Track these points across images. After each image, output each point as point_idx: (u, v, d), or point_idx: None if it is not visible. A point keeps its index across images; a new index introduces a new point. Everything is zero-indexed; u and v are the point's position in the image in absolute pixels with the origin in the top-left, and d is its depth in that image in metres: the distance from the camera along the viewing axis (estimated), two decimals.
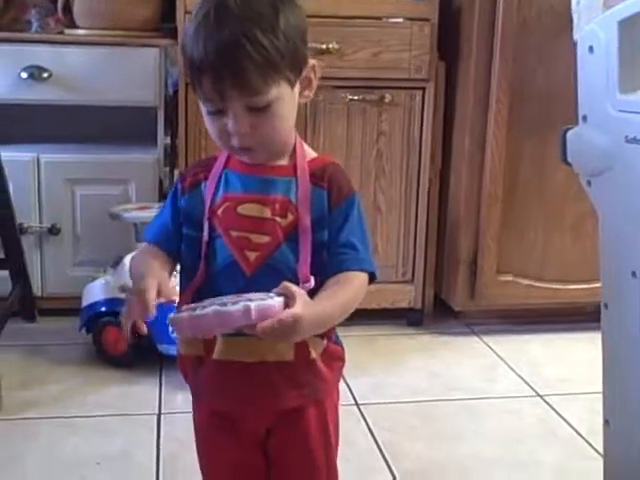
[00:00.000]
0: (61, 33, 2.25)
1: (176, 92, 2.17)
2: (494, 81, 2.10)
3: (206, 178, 0.98)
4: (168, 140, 2.33)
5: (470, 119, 2.16)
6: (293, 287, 0.86)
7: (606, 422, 0.96)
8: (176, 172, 2.28)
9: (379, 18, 2.12)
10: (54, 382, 1.90)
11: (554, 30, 2.07)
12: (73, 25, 2.25)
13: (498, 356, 2.14)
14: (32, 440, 1.64)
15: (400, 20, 2.13)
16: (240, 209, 0.95)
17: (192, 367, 1.02)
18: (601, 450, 1.65)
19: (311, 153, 1.00)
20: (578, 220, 2.19)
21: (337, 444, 1.07)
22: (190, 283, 0.97)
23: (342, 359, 1.03)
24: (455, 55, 2.22)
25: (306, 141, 2.33)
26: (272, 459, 1.04)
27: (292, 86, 0.92)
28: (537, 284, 2.24)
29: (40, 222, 2.20)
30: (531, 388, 1.95)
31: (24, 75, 2.12)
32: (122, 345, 1.96)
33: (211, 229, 0.96)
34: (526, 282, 2.24)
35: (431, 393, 1.92)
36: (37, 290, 2.22)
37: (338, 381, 1.05)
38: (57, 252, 2.22)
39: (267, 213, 0.94)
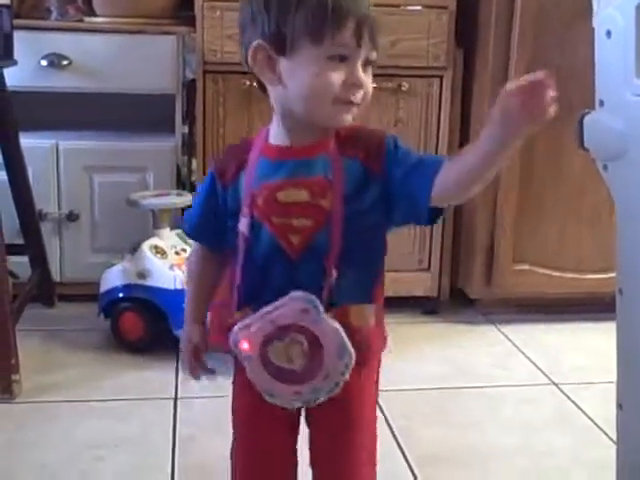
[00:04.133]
0: (80, 21, 2.26)
1: (194, 80, 2.18)
2: (512, 68, 2.09)
3: (243, 168, 0.98)
4: (186, 128, 2.34)
5: (488, 106, 2.15)
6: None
7: (619, 406, 0.96)
8: (194, 161, 2.29)
9: (397, 6, 2.11)
10: (72, 366, 1.92)
11: (573, 16, 2.06)
12: (92, 13, 2.26)
13: (514, 345, 2.14)
14: (51, 423, 1.66)
15: (418, 8, 2.13)
16: (279, 195, 0.96)
17: None
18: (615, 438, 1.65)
19: None
20: (595, 209, 2.18)
21: (375, 404, 1.08)
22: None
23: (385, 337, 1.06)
24: (473, 43, 2.21)
25: None
26: (310, 417, 1.05)
27: None
28: (553, 273, 2.24)
29: (59, 208, 2.22)
30: (547, 377, 1.95)
31: (44, 63, 2.14)
32: (139, 331, 1.99)
33: (252, 218, 0.97)
34: (542, 271, 2.24)
35: (447, 381, 1.92)
36: (56, 276, 2.25)
37: (383, 347, 1.06)
38: (75, 238, 2.24)
39: (306, 196, 0.95)
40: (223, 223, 1.01)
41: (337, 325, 0.94)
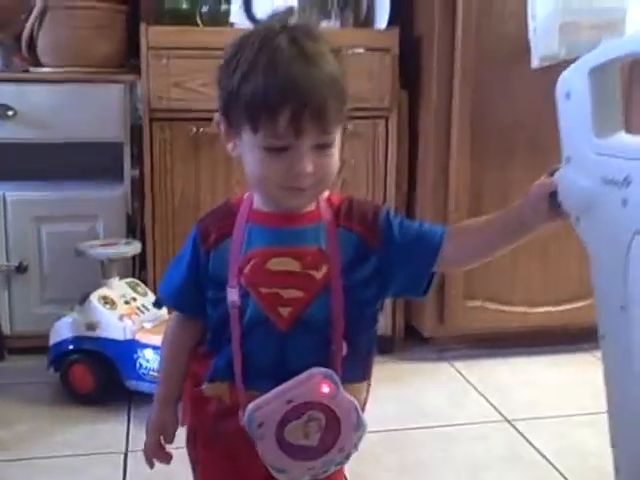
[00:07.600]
0: (26, 71, 2.26)
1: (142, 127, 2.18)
2: (455, 110, 2.13)
3: (230, 234, 0.94)
4: (137, 172, 2.33)
5: (433, 148, 2.18)
6: None
7: (616, 469, 0.94)
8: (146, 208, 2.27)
9: (339, 50, 2.13)
10: (21, 422, 1.88)
11: (512, 58, 2.10)
12: (38, 63, 2.26)
13: (468, 382, 2.15)
14: None
15: (361, 50, 2.16)
16: (269, 264, 0.92)
17: (212, 410, 0.98)
18: (565, 473, 1.66)
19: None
20: (543, 243, 2.21)
21: None
22: (220, 346, 0.95)
23: None
24: (417, 84, 2.24)
25: None
26: None
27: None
28: (505, 308, 2.26)
29: (7, 260, 2.19)
30: (499, 413, 1.96)
31: None
32: (89, 383, 1.96)
33: (240, 288, 0.92)
34: (494, 307, 2.26)
35: (399, 422, 1.92)
36: (5, 329, 2.21)
37: None
38: (24, 290, 2.21)
39: (298, 266, 0.91)
40: (204, 291, 0.96)
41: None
